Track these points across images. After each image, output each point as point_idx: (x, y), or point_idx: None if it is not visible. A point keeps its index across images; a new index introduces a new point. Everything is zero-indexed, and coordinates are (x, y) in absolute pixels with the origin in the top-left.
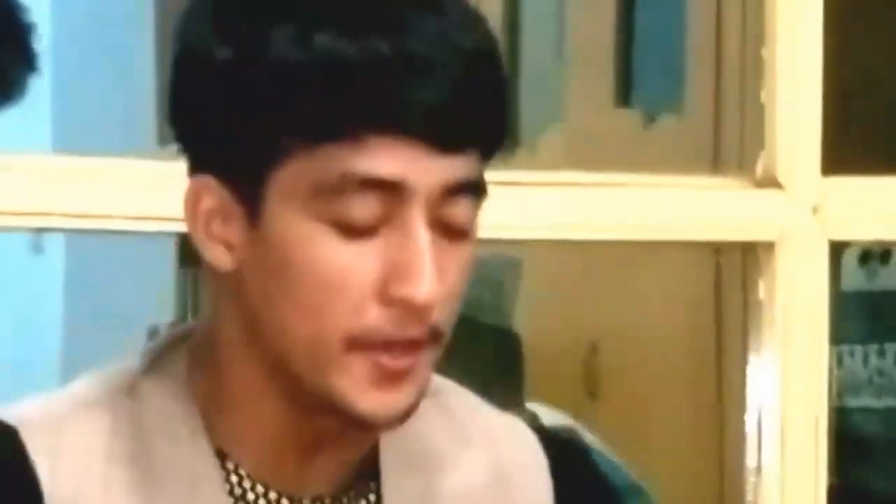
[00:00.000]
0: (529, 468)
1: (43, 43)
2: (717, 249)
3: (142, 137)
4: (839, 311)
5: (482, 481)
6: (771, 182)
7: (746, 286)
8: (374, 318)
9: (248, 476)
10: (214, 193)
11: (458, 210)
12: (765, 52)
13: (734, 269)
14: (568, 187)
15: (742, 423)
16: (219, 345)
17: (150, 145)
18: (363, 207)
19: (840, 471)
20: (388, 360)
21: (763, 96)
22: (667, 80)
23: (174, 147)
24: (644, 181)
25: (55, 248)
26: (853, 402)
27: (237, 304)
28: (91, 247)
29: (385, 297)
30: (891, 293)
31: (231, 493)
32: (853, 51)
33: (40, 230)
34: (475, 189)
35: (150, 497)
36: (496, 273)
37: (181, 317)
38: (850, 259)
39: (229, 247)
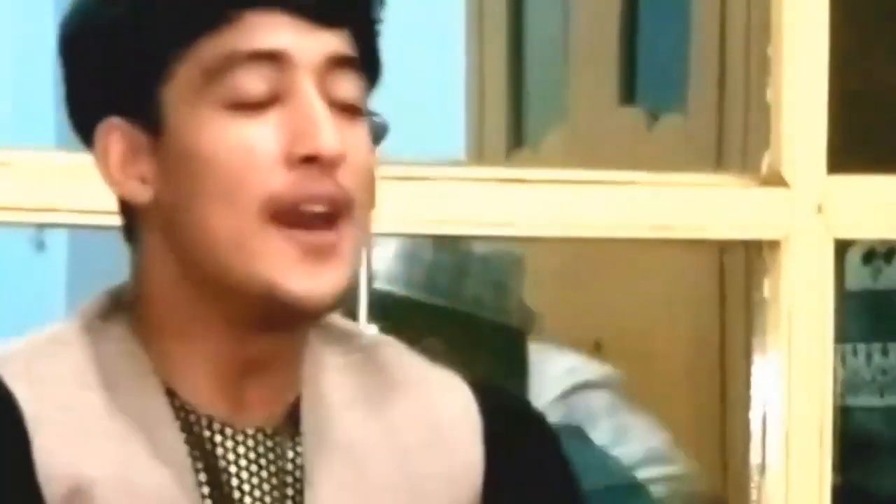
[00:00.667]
0: (461, 420)
1: (46, 41)
2: (722, 248)
3: None
4: (843, 310)
5: (410, 427)
6: (776, 180)
7: (751, 285)
8: (284, 181)
9: (195, 411)
10: (121, 131)
11: (345, 85)
12: (771, 51)
13: (738, 267)
14: (572, 185)
15: (746, 421)
16: (149, 290)
17: None
18: (253, 81)
19: (842, 469)
20: (308, 235)
21: (769, 95)
22: (671, 78)
23: None
24: (648, 179)
25: (58, 244)
26: (855, 400)
27: (159, 236)
28: (94, 243)
29: (291, 160)
30: (895, 292)
31: (181, 428)
32: (859, 49)
33: (43, 226)
34: (358, 67)
35: (119, 424)
36: (499, 270)
37: None
38: (853, 258)
39: (143, 180)
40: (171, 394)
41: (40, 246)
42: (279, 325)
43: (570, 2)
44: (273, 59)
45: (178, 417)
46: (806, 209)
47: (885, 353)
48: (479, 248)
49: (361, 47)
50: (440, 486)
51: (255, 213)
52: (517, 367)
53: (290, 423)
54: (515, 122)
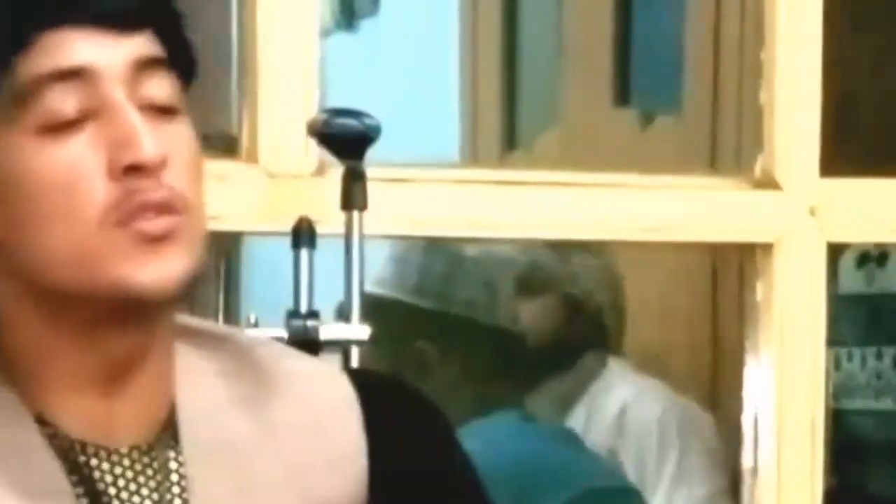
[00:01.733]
0: (342, 409)
1: None
2: (715, 250)
3: None
4: (837, 314)
5: (291, 422)
6: (769, 183)
7: (743, 287)
8: (114, 193)
9: (68, 437)
10: None
11: (156, 86)
12: (764, 55)
13: (731, 269)
14: (565, 187)
15: (738, 423)
16: (4, 326)
17: None
18: (62, 101)
19: (836, 472)
20: (146, 224)
21: (762, 98)
22: (664, 80)
23: None
24: (641, 182)
25: None
26: (850, 404)
27: (2, 272)
28: None
29: (115, 172)
30: (888, 296)
31: (56, 456)
32: (852, 53)
33: None
34: (167, 66)
35: None
36: (491, 272)
37: (183, 309)
38: (847, 262)
39: None
40: (43, 424)
41: None
42: (132, 319)
43: (564, 4)
44: (78, 75)
45: (52, 446)
46: (799, 212)
47: (879, 356)
48: (470, 251)
49: (169, 46)
50: (326, 477)
51: (93, 226)
52: (512, 370)
53: (168, 435)
54: (509, 124)
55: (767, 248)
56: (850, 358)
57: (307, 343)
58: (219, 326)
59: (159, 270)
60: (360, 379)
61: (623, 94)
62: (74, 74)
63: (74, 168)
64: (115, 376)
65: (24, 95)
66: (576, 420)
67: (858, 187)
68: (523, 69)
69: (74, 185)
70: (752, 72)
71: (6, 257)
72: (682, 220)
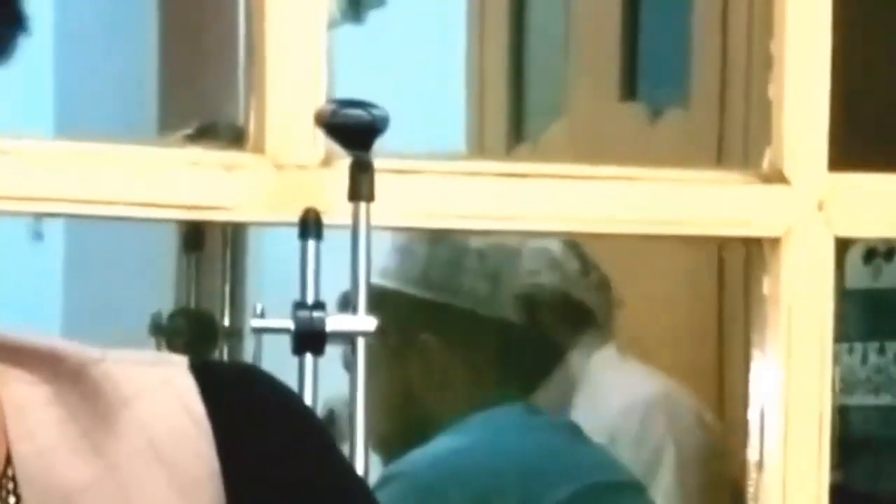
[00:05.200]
0: (184, 427)
1: (46, 28)
2: (722, 244)
3: (143, 124)
4: (842, 308)
5: (132, 456)
6: (777, 177)
7: (750, 282)
8: None
9: None
10: None
11: None
12: (773, 48)
13: (738, 264)
14: (572, 180)
15: (745, 418)
16: None
17: (152, 132)
18: None
19: (835, 467)
20: None
21: (771, 91)
22: (672, 74)
23: (176, 134)
24: (649, 175)
25: (55, 234)
26: (850, 399)
27: None
28: (91, 233)
29: None
30: (894, 291)
31: None
32: (861, 46)
33: (40, 216)
34: None
35: None
36: (494, 264)
37: (182, 304)
38: (854, 256)
39: None
40: None
41: (38, 236)
42: None
43: None
44: None
45: None
46: (807, 206)
47: (881, 351)
48: (474, 242)
49: None
50: None
51: None
52: (514, 363)
53: (7, 493)
54: (516, 117)
55: (775, 242)
56: (850, 352)
57: (314, 334)
58: (48, 343)
59: None
60: (206, 378)
61: (630, 87)
62: None
63: None
64: None
65: None
66: (579, 411)
67: (867, 182)
68: (530, 61)
69: None
70: (761, 65)
71: None
72: (689, 214)
